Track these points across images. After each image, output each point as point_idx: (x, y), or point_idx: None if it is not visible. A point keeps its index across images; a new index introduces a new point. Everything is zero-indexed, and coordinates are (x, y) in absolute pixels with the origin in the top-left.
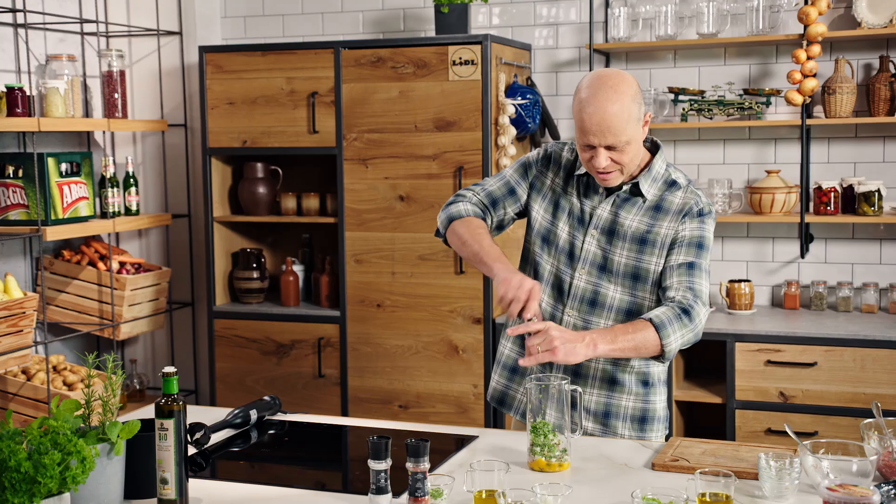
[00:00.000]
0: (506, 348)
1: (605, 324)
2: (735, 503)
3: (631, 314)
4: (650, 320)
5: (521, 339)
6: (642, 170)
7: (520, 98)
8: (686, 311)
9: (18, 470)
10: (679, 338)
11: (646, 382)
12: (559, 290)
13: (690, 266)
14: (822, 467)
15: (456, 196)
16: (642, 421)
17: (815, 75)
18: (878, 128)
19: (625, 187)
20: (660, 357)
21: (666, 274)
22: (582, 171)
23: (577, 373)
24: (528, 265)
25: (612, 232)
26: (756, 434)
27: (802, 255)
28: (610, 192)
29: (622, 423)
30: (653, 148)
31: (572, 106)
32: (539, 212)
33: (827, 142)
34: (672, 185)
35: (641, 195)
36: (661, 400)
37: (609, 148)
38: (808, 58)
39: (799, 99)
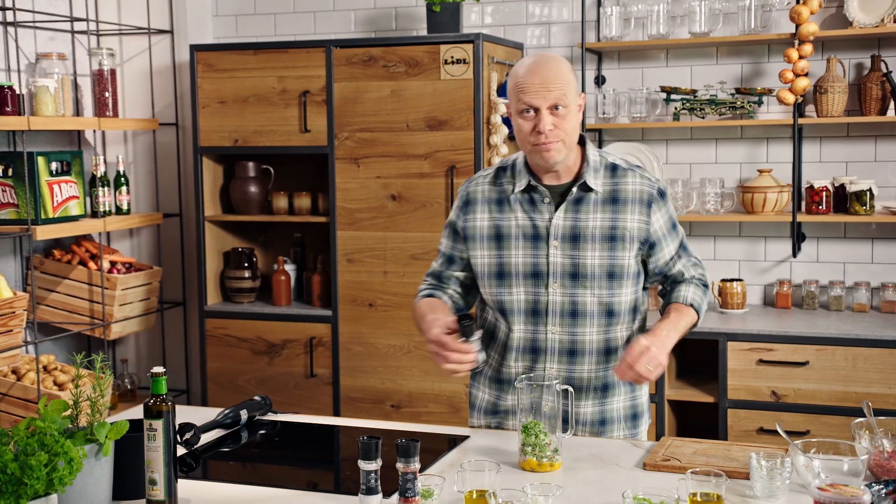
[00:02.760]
0: (482, 392)
1: (589, 331)
2: (726, 503)
3: (612, 314)
4: (692, 305)
5: (496, 384)
6: (581, 165)
7: None
8: (706, 285)
9: (4, 471)
10: (704, 312)
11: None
12: (535, 313)
13: (683, 248)
14: (814, 467)
15: (420, 285)
16: (634, 418)
17: (806, 74)
18: (870, 127)
19: (574, 189)
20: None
21: (669, 266)
22: (522, 185)
23: (570, 385)
24: (490, 310)
25: (575, 237)
26: (748, 433)
27: (794, 255)
28: (560, 199)
29: (616, 426)
30: (580, 141)
31: (509, 85)
32: (483, 255)
33: (819, 141)
34: (614, 169)
35: (591, 190)
36: (645, 392)
37: (552, 111)
38: (800, 57)
39: (791, 98)
